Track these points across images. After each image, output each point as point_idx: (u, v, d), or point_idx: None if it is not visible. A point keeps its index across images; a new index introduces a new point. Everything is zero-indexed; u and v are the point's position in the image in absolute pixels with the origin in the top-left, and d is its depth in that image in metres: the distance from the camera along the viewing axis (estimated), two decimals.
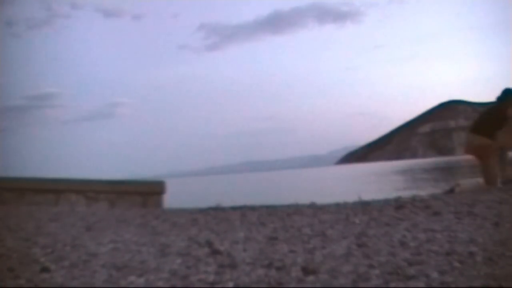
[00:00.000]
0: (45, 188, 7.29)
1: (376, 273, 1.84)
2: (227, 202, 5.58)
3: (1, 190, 7.15)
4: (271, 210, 4.21)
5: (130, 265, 2.22)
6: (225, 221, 3.66)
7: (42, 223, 4.03)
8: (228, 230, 3.17)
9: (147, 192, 7.43)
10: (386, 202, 4.28)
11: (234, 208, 4.68)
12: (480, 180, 5.77)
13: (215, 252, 2.39)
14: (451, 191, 5.50)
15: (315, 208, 4.21)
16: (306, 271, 1.91)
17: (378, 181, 27.18)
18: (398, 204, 3.92)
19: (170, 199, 7.94)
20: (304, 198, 5.58)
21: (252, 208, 4.53)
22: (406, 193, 5.88)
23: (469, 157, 6.20)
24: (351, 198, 4.97)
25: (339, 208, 4.10)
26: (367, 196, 5.33)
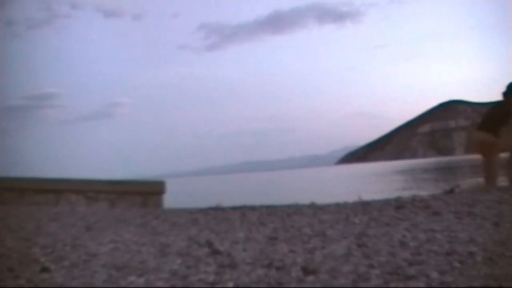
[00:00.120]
0: (45, 188, 7.29)
1: (376, 273, 1.84)
2: (227, 202, 5.58)
3: (1, 190, 7.15)
4: (271, 210, 4.21)
5: (130, 265, 2.22)
6: (225, 221, 3.66)
7: (42, 223, 4.03)
8: (228, 230, 3.17)
9: (147, 192, 7.43)
10: (386, 202, 4.27)
11: (234, 208, 4.68)
12: (480, 180, 5.78)
13: (215, 252, 2.39)
14: (451, 191, 5.49)
15: (315, 208, 4.20)
16: (306, 271, 1.91)
17: (378, 181, 27.19)
18: (398, 204, 3.92)
19: (170, 199, 7.94)
20: (304, 198, 5.57)
21: (252, 208, 4.52)
22: (406, 193, 5.88)
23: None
24: (351, 198, 4.97)
25: (339, 208, 4.10)
26: (367, 196, 5.33)
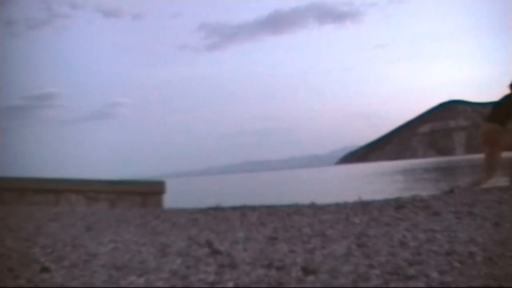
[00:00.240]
0: (45, 188, 7.28)
1: (376, 273, 1.84)
2: (227, 202, 5.58)
3: (1, 190, 7.15)
4: (271, 210, 4.21)
5: (130, 265, 2.22)
6: (225, 221, 3.66)
7: (42, 223, 4.03)
8: (228, 230, 3.16)
9: (147, 192, 7.42)
10: (386, 202, 4.27)
11: (234, 208, 4.68)
12: (475, 177, 5.77)
13: (215, 252, 2.39)
14: (450, 191, 5.49)
15: (315, 208, 4.20)
16: (306, 271, 1.91)
17: (378, 181, 27.19)
18: (398, 204, 3.91)
19: (170, 199, 7.94)
20: (304, 198, 5.57)
21: (252, 208, 4.52)
22: (406, 193, 5.88)
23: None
24: (351, 198, 4.97)
25: (339, 208, 4.10)
26: (367, 196, 5.33)
